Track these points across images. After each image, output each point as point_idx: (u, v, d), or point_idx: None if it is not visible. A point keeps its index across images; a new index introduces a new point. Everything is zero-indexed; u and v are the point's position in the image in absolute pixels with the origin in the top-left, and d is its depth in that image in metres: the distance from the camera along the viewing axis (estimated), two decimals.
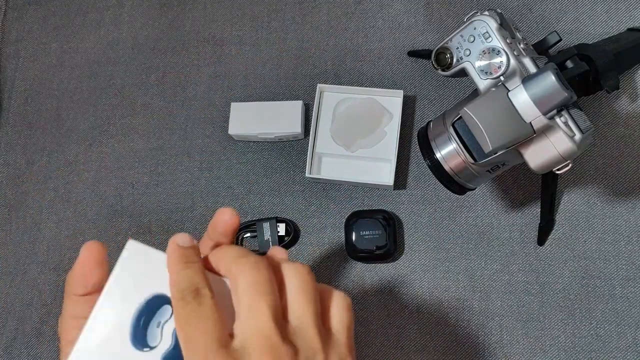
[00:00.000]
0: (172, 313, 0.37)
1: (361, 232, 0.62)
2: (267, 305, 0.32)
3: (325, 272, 0.65)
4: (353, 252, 0.63)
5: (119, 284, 0.38)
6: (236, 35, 0.73)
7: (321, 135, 0.66)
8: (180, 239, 0.36)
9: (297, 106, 0.67)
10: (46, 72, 0.75)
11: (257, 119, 0.67)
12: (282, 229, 0.65)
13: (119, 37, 0.75)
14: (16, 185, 0.72)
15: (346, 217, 0.64)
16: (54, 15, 0.77)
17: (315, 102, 0.66)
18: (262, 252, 0.64)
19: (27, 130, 0.74)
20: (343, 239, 0.64)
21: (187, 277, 0.34)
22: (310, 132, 0.65)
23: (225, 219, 0.38)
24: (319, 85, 0.66)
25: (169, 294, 0.36)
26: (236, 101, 0.69)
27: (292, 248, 0.66)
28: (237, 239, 0.66)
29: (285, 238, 0.65)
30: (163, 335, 0.37)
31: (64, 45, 0.76)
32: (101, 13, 0.76)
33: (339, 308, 0.36)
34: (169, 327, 0.37)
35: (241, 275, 0.34)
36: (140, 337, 0.37)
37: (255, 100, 0.70)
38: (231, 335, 0.33)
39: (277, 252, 0.38)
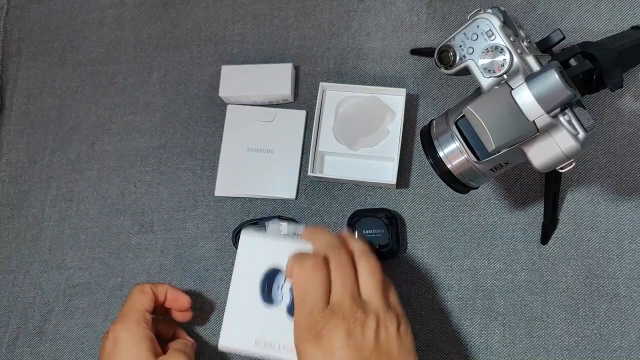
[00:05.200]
0: (285, 278, 0.54)
1: (364, 231, 0.62)
2: (349, 284, 0.48)
3: None
4: None
5: (241, 268, 0.55)
6: (238, 34, 0.73)
7: (324, 133, 0.66)
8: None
9: (286, 69, 0.67)
10: (48, 70, 0.75)
11: (247, 82, 0.68)
12: (284, 227, 0.65)
13: (121, 36, 0.75)
14: (19, 183, 0.72)
15: (349, 215, 0.64)
16: (56, 13, 0.77)
17: (317, 101, 0.66)
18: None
19: (29, 129, 0.74)
20: None
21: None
22: (313, 131, 0.65)
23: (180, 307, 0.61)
24: (321, 83, 0.66)
25: (278, 267, 0.54)
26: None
27: None
28: (238, 237, 0.65)
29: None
30: (283, 294, 0.55)
31: (66, 44, 0.76)
32: (103, 11, 0.76)
33: (393, 292, 0.51)
34: (286, 288, 0.54)
35: (333, 260, 0.49)
36: (267, 298, 0.54)
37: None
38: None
39: (356, 244, 0.51)
